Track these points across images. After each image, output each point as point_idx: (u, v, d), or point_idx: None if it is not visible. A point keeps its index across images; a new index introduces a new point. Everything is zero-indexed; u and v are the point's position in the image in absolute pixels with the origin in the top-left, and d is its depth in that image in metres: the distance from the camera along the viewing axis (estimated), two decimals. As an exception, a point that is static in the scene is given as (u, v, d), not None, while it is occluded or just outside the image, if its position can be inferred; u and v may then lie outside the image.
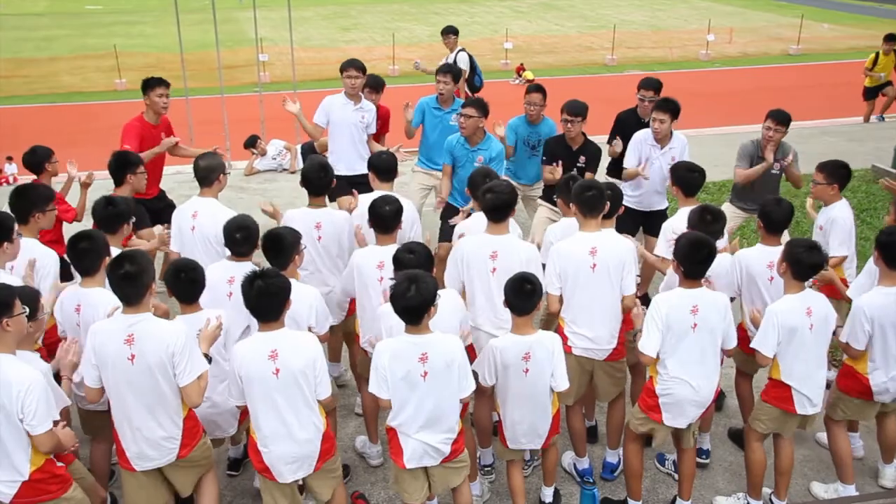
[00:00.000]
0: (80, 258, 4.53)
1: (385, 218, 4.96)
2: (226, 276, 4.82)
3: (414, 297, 3.90)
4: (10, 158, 9.65)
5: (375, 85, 8.03)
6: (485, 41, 27.20)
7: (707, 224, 4.89)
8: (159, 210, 7.00)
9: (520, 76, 23.23)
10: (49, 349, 4.80)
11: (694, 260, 4.46)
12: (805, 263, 4.52)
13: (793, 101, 13.61)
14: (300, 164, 11.17)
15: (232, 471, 5.26)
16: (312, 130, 7.69)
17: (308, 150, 11.03)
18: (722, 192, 9.30)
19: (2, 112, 17.99)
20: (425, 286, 3.96)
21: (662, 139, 6.82)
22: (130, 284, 3.90)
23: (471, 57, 10.86)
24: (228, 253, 4.97)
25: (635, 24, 31.64)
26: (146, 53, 24.62)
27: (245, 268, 4.79)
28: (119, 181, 6.18)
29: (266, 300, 3.97)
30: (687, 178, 5.58)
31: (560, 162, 6.76)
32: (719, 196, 9.64)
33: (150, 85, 7.22)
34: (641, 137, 6.94)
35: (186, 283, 4.37)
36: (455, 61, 10.57)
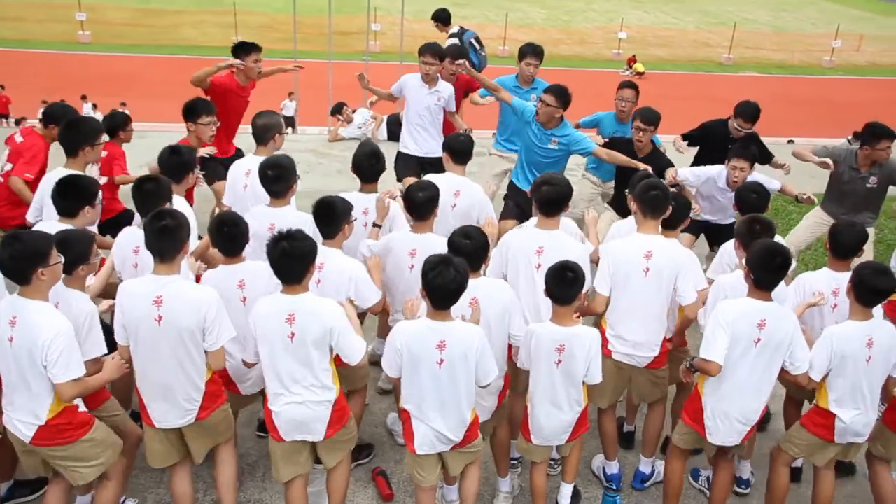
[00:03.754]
0: (145, 199, 4.61)
1: (418, 204, 4.83)
2: (266, 223, 4.81)
3: (453, 280, 3.84)
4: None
5: (457, 55, 7.94)
6: (598, 29, 26.71)
7: (756, 235, 4.60)
8: None
9: (630, 67, 22.75)
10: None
11: (768, 268, 4.20)
12: (869, 287, 4.22)
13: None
14: (383, 135, 11.28)
15: (262, 432, 5.27)
16: (387, 96, 7.79)
17: (393, 122, 11.11)
18: (813, 206, 8.77)
19: (124, 60, 18.77)
20: (465, 270, 3.91)
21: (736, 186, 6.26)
22: (168, 238, 3.92)
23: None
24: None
25: (757, 23, 30.40)
26: (263, 13, 25.20)
27: (285, 213, 4.85)
28: (187, 127, 6.30)
29: (289, 261, 3.93)
30: (746, 198, 5.29)
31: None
32: (808, 210, 9.15)
33: (244, 50, 7.18)
34: (714, 175, 6.44)
35: (228, 237, 4.38)
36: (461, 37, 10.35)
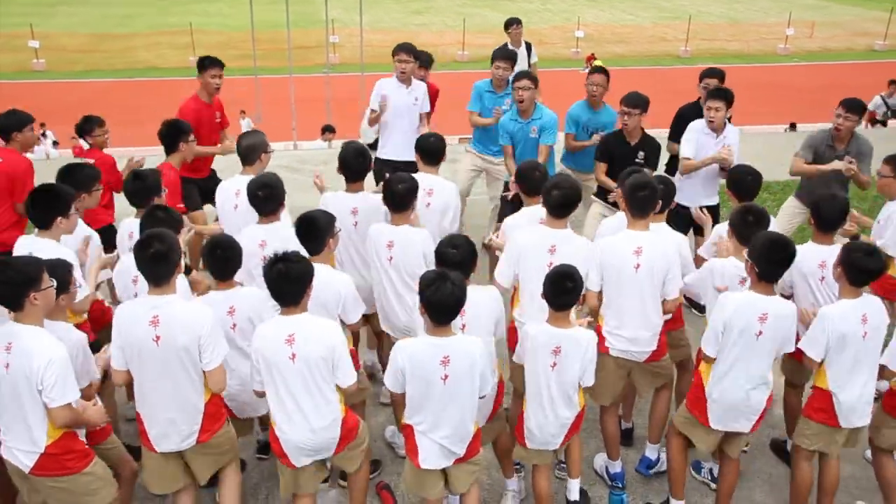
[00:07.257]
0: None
1: (396, 196, 4.89)
2: (256, 241, 4.84)
3: (451, 295, 3.81)
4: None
5: (424, 61, 8.00)
6: (555, 29, 26.89)
7: (749, 225, 4.65)
8: (210, 190, 6.80)
9: (589, 65, 22.87)
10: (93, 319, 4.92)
11: (771, 260, 4.21)
12: (860, 268, 4.24)
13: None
14: (370, 138, 11.21)
15: (261, 454, 5.27)
16: (371, 113, 7.68)
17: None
18: (786, 191, 8.95)
19: (80, 86, 18.56)
20: (462, 285, 3.88)
21: (717, 128, 6.54)
22: (160, 263, 3.89)
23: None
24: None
25: (712, 15, 30.84)
26: (219, 31, 25.06)
27: (275, 230, 4.86)
28: (172, 148, 6.26)
29: (285, 284, 3.93)
30: (742, 181, 5.29)
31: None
32: (783, 196, 9.29)
33: (204, 65, 7.29)
34: (697, 127, 6.63)
35: (221, 260, 4.37)
36: (529, 52, 10.48)
